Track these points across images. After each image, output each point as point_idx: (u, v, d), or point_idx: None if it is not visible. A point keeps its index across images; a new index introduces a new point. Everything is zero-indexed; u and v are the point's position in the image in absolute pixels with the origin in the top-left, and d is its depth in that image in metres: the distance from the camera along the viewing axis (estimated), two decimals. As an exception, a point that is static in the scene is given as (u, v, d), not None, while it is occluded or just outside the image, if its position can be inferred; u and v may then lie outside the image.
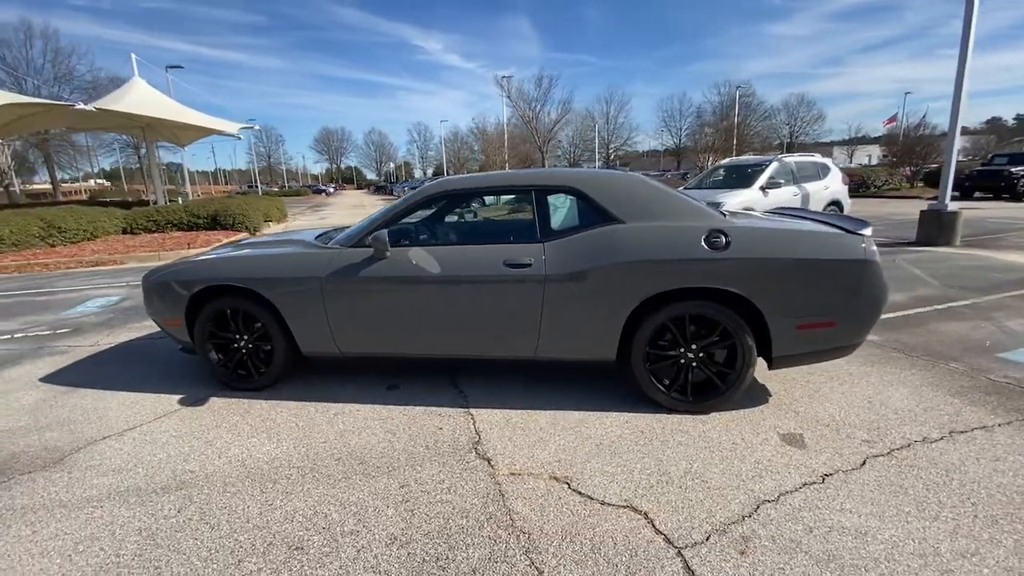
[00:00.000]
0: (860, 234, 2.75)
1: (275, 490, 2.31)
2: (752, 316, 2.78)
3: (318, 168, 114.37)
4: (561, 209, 3.10)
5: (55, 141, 38.57)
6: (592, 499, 2.18)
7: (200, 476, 2.44)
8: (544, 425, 2.83)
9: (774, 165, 8.67)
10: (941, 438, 2.57)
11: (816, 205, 8.92)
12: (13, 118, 13.07)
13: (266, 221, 15.64)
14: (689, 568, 1.77)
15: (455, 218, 3.34)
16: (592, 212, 2.97)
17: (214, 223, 13.05)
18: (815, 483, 2.23)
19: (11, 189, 27.76)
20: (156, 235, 12.38)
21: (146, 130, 16.35)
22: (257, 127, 23.13)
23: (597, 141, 62.62)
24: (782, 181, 8.53)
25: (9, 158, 19.09)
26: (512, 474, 2.38)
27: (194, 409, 3.18)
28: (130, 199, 23.25)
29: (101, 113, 14.00)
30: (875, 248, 2.72)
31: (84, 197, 34.16)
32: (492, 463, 2.48)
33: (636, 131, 67.92)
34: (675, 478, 2.30)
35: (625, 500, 2.16)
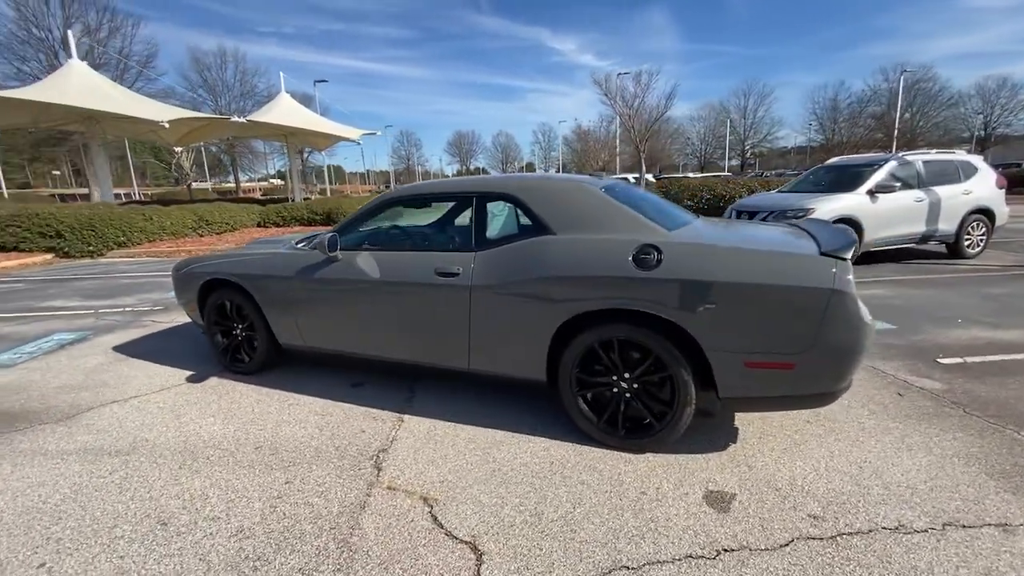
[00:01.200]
0: (833, 256, 2.20)
1: (189, 467, 2.56)
2: (693, 347, 2.38)
3: (451, 169, 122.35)
4: (499, 217, 2.95)
5: (239, 147, 46.64)
6: (441, 528, 2.05)
7: (148, 445, 2.80)
8: (460, 442, 2.73)
9: (890, 164, 7.23)
10: (925, 530, 1.96)
11: (951, 214, 7.28)
12: (187, 130, 16.12)
13: None
14: (474, 625, 1.59)
15: (405, 224, 3.36)
16: (527, 221, 2.79)
17: (328, 219, 14.68)
18: (703, 557, 1.85)
19: (191, 187, 34.07)
20: (282, 228, 14.29)
21: (288, 138, 18.99)
22: (379, 133, 25.53)
23: (728, 138, 57.84)
24: (897, 184, 7.09)
25: (191, 162, 23.75)
26: (389, 488, 2.34)
27: (191, 386, 3.64)
28: (287, 197, 27.20)
29: (253, 124, 16.55)
30: (850, 277, 2.16)
31: (258, 195, 40.68)
32: (381, 473, 2.46)
33: (778, 126, 61.19)
34: (545, 521, 2.07)
35: (472, 536, 2.00)
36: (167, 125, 13.20)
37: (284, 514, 2.17)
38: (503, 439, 2.74)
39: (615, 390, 2.57)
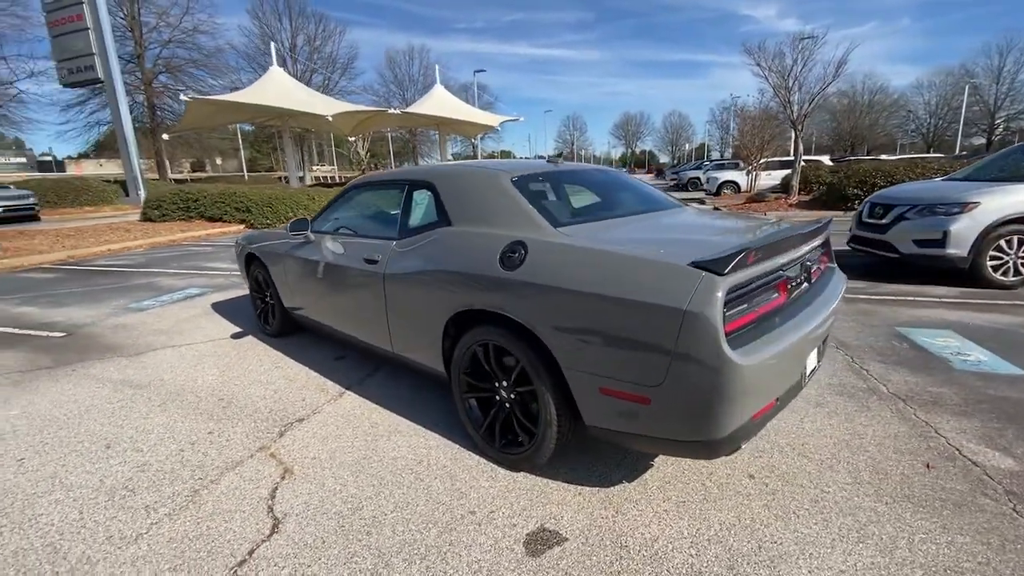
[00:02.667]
0: (705, 268, 1.68)
1: (164, 406, 3.11)
2: (554, 363, 2.07)
3: (617, 153, 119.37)
4: (420, 207, 2.85)
5: (420, 135, 52.21)
6: (271, 499, 2.18)
7: (158, 384, 3.46)
8: (364, 425, 2.81)
9: None
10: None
11: None
12: (355, 122, 18.65)
13: None
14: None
15: (366, 211, 3.44)
16: (438, 210, 2.68)
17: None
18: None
19: (366, 172, 39.01)
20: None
21: (440, 127, 20.67)
22: (521, 119, 26.10)
23: (969, 109, 45.48)
24: None
25: (366, 150, 27.40)
26: (271, 454, 2.54)
27: (227, 341, 4.35)
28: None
29: (407, 115, 18.41)
30: (718, 295, 1.63)
31: None
32: (278, 440, 2.68)
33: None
34: (358, 517, 2.06)
35: (284, 514, 2.09)
36: (331, 118, 15.55)
37: (181, 459, 2.52)
38: (403, 430, 2.74)
39: (496, 398, 2.37)
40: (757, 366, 1.67)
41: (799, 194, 13.96)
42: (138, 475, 2.40)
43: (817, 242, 2.35)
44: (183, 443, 2.67)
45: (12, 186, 19.20)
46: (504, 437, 2.35)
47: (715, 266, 1.66)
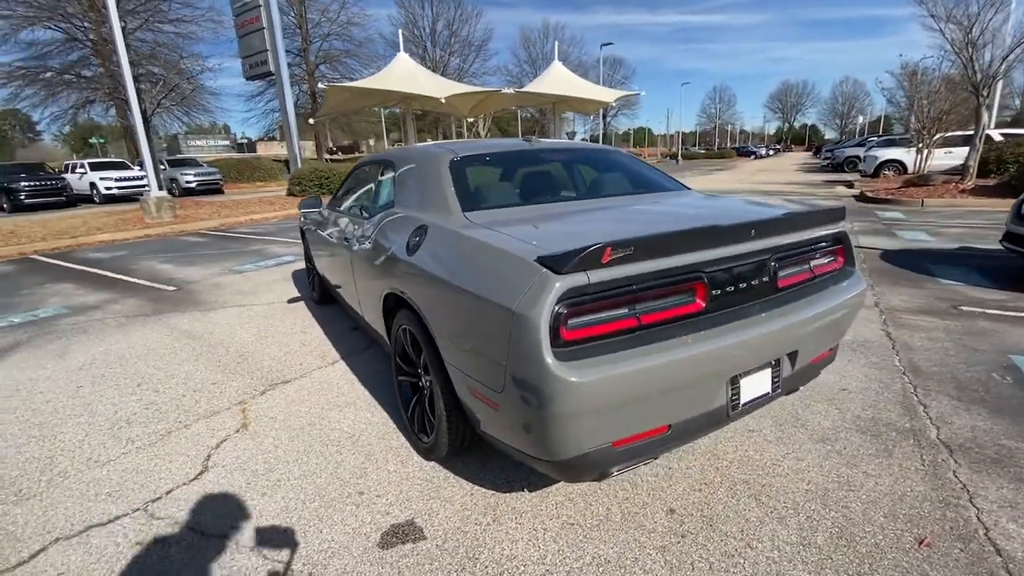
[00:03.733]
0: (547, 265, 1.43)
1: (197, 356, 3.62)
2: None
3: (772, 127, 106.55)
4: (385, 187, 2.83)
5: (550, 114, 52.26)
6: (215, 448, 2.43)
7: (207, 336, 4.03)
8: (331, 394, 2.97)
9: None
10: None
11: None
12: (473, 103, 19.20)
13: None
14: None
15: (360, 189, 3.47)
16: (393, 192, 2.66)
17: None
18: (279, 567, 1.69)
19: None
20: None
21: (556, 104, 20.38)
22: (642, 93, 24.34)
23: None
24: None
25: (487, 130, 27.89)
26: (242, 408, 2.82)
27: (283, 304, 4.88)
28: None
29: (520, 94, 18.46)
30: (548, 297, 1.38)
31: None
32: (258, 397, 2.96)
33: None
34: (277, 471, 2.20)
35: (214, 464, 2.31)
36: (444, 100, 16.21)
37: (179, 403, 2.93)
38: (358, 404, 2.84)
39: (420, 384, 2.33)
40: (603, 384, 1.40)
41: (976, 177, 11.11)
42: (142, 412, 2.84)
43: (790, 238, 1.87)
44: (189, 390, 3.09)
45: (205, 164, 23.46)
46: (420, 424, 2.31)
47: (554, 263, 1.41)
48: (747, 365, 1.73)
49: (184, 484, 2.18)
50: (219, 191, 22.37)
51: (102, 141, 42.05)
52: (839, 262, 2.16)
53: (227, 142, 72.66)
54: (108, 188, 18.39)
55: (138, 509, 2.03)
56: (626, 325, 1.51)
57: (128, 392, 3.09)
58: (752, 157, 56.18)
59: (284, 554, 1.77)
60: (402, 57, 17.42)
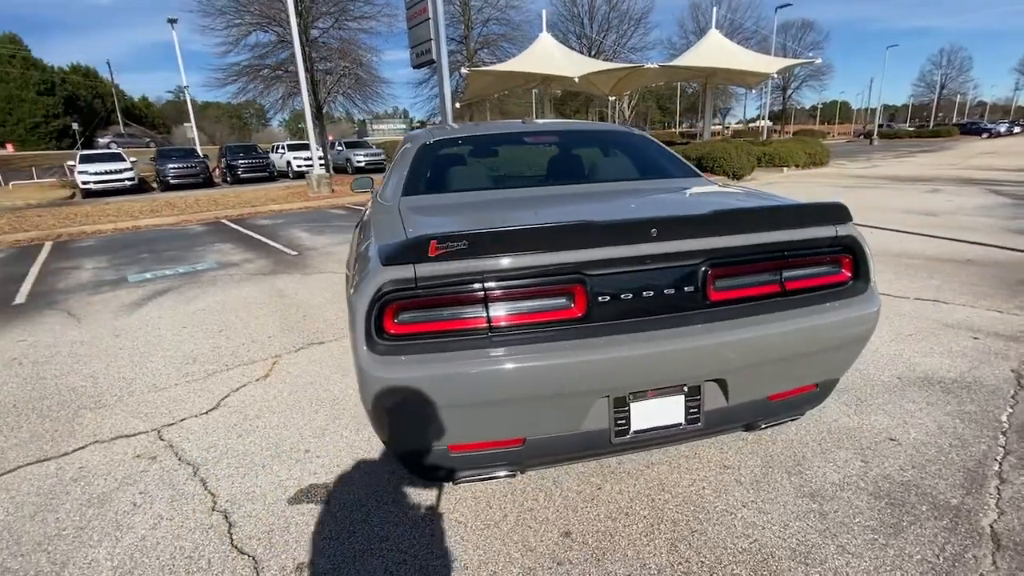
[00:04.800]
0: (382, 260, 1.37)
1: (261, 314, 4.23)
2: None
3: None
4: (389, 169, 2.89)
5: (720, 90, 47.53)
6: (219, 404, 2.86)
7: (291, 295, 4.67)
8: (349, 358, 3.24)
9: None
10: None
11: None
12: (613, 81, 18.37)
13: (788, 166, 15.19)
14: (132, 434, 2.46)
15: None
16: (387, 174, 2.75)
17: (699, 165, 14.17)
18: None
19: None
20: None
21: (708, 77, 18.51)
22: (817, 61, 20.35)
23: None
24: None
25: (632, 109, 26.14)
26: (273, 357, 3.25)
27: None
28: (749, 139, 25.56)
29: (666, 69, 17.19)
30: (370, 287, 1.33)
31: (723, 136, 41.17)
32: (283, 354, 3.37)
33: None
34: (243, 430, 2.53)
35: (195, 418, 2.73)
36: (577, 80, 15.75)
37: (235, 351, 3.48)
38: (362, 370, 3.07)
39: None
40: (415, 384, 1.32)
41: None
42: (208, 353, 3.45)
43: (733, 241, 1.50)
44: (248, 339, 3.65)
45: (374, 146, 26.57)
46: None
47: (384, 254, 1.36)
48: (635, 386, 1.47)
49: (195, 416, 2.62)
50: (383, 169, 25.29)
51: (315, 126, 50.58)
52: (843, 275, 1.67)
53: (404, 125, 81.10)
54: (299, 166, 21.98)
55: (154, 429, 2.51)
56: (475, 324, 1.40)
57: (210, 336, 3.77)
58: (984, 136, 44.22)
59: (222, 488, 2.04)
60: (544, 37, 17.44)
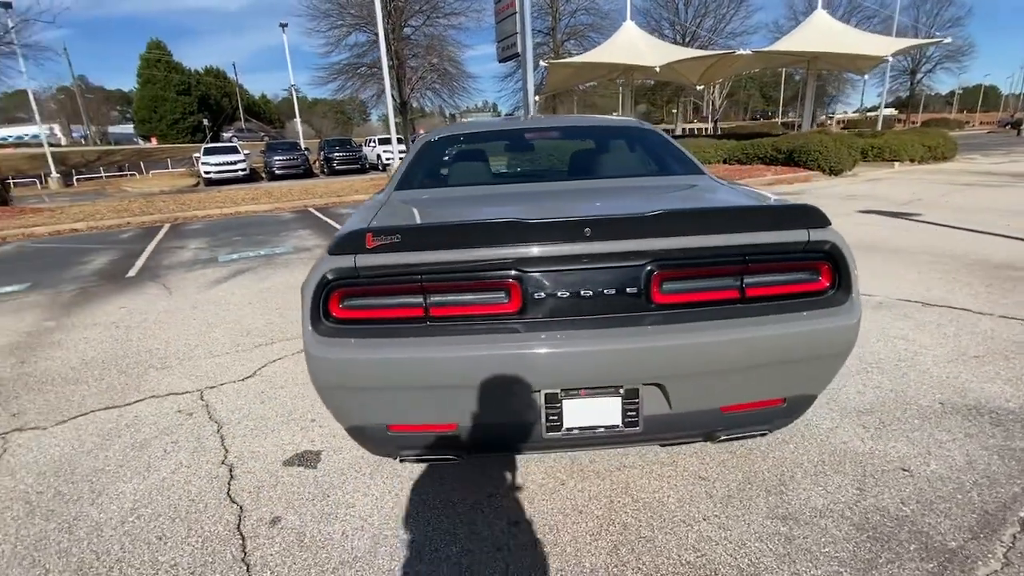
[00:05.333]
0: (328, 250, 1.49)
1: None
2: None
3: None
4: None
5: (831, 76, 43.16)
6: (253, 372, 3.20)
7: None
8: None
9: None
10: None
11: None
12: (702, 69, 17.33)
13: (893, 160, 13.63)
14: (180, 393, 2.86)
15: None
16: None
17: (790, 158, 13.07)
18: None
19: (718, 123, 33.97)
20: (742, 167, 13.98)
21: (811, 62, 16.87)
22: (947, 40, 17.39)
23: None
24: None
25: (722, 98, 24.18)
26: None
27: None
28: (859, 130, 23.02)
29: (760, 55, 15.96)
30: (316, 275, 1.46)
31: (835, 127, 37.33)
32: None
33: None
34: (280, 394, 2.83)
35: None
36: (658, 69, 15.02)
37: (281, 327, 3.86)
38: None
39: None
40: (349, 365, 1.44)
41: None
42: (262, 327, 3.86)
43: (681, 243, 1.44)
44: (298, 318, 4.02)
45: (457, 139, 27.47)
46: None
47: (331, 244, 1.48)
48: (567, 384, 1.47)
49: (232, 382, 2.97)
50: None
51: (398, 121, 53.37)
52: (819, 284, 1.54)
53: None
54: (389, 159, 23.29)
55: (198, 390, 2.89)
56: (413, 313, 1.49)
57: (267, 312, 4.21)
58: None
59: (234, 445, 2.32)
60: (627, 26, 16.92)
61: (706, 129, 32.76)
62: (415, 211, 2.05)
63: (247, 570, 1.63)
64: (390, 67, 24.05)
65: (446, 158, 2.60)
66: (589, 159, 2.51)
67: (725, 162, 14.79)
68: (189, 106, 51.10)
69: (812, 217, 1.49)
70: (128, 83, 50.73)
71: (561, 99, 37.16)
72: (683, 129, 36.23)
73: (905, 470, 1.95)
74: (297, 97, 31.18)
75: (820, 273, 1.54)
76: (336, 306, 1.50)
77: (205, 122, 49.55)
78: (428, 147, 2.54)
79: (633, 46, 16.15)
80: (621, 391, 1.50)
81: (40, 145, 26.20)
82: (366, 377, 1.48)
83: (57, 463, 2.24)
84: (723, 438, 1.64)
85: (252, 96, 71.31)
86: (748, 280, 1.50)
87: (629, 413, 1.52)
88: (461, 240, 1.43)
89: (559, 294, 1.46)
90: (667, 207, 1.48)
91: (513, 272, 1.46)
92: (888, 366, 2.75)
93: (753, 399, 1.59)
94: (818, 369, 1.58)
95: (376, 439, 1.60)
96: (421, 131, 32.76)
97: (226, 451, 2.28)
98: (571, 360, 1.43)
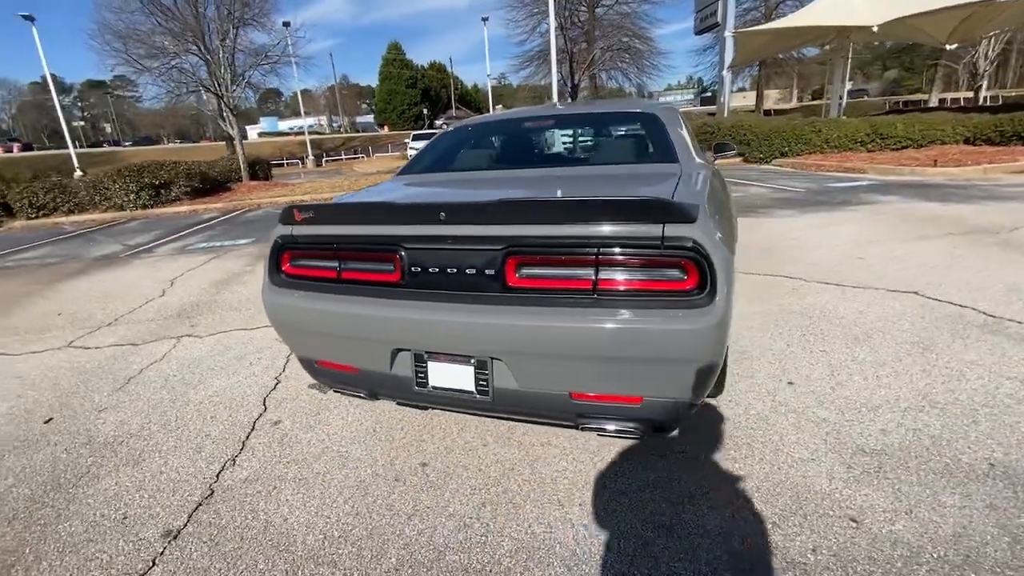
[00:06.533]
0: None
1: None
2: None
3: None
4: None
5: None
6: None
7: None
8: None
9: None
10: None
11: None
12: (953, 22, 13.35)
13: None
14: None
15: None
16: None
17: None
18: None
19: (980, 91, 24.24)
20: (993, 148, 10.78)
21: None
22: None
23: None
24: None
25: (990, 60, 17.08)
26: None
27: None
28: None
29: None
30: (273, 239, 1.91)
31: None
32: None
33: None
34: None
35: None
36: (876, 29, 11.91)
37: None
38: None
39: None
40: (281, 310, 1.88)
41: None
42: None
43: (535, 231, 1.51)
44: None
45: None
46: None
47: (280, 214, 1.93)
48: (429, 347, 1.69)
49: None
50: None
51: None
52: (681, 283, 1.44)
53: (691, 96, 76.85)
54: None
55: (296, 326, 3.77)
56: (329, 275, 1.87)
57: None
58: None
59: (290, 365, 3.05)
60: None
61: (968, 100, 25.32)
62: (380, 191, 2.43)
63: (241, 448, 2.27)
64: (563, 51, 24.40)
65: (450, 147, 2.87)
66: (577, 147, 2.52)
67: (968, 142, 11.54)
68: (414, 98, 59.43)
69: (669, 212, 1.40)
70: (374, 79, 61.64)
71: (776, 69, 32.74)
72: (938, 100, 28.65)
73: (854, 521, 1.64)
74: (501, 84, 33.88)
75: (684, 271, 1.44)
76: (286, 264, 1.97)
77: (424, 111, 57.18)
78: (442, 137, 2.85)
79: (847, 2, 13.41)
80: (472, 361, 1.66)
81: (311, 133, 33.98)
82: (299, 321, 1.92)
83: (193, 360, 3.28)
84: (589, 427, 1.66)
85: (465, 86, 79.32)
86: (602, 271, 1.50)
87: (481, 382, 1.67)
88: (355, 218, 1.76)
89: (430, 269, 1.68)
90: (525, 196, 1.56)
91: (396, 247, 1.72)
92: None
93: (604, 392, 1.58)
94: (676, 372, 1.48)
95: (312, 370, 2.05)
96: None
97: (284, 370, 3.03)
98: (430, 327, 1.65)
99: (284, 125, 70.56)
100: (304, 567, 1.61)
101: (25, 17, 17.33)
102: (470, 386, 1.70)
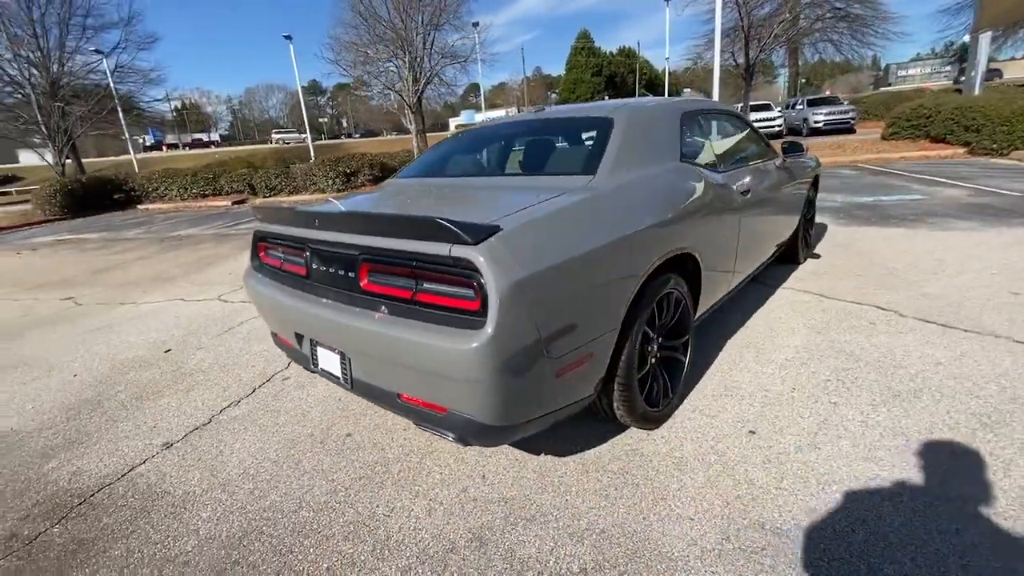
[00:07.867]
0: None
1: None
2: None
3: None
4: None
5: None
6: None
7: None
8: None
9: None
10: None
11: None
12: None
13: None
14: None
15: None
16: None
17: None
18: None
19: None
20: None
21: None
22: None
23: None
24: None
25: None
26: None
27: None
28: None
29: None
30: (255, 230, 2.37)
31: None
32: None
33: None
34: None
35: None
36: None
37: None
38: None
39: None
40: (252, 292, 2.33)
41: None
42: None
43: (370, 242, 1.66)
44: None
45: (845, 101, 22.21)
46: None
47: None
48: (312, 335, 1.95)
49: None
50: (849, 130, 20.96)
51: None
52: (473, 302, 1.45)
53: (930, 68, 62.58)
54: (816, 122, 20.53)
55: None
56: (276, 264, 2.27)
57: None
58: None
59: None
60: None
61: None
62: (357, 195, 2.74)
63: (251, 393, 2.88)
64: (740, 27, 21.59)
65: (441, 153, 2.99)
66: (528, 155, 2.47)
67: None
68: (598, 85, 59.19)
69: (454, 233, 1.42)
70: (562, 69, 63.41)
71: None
72: None
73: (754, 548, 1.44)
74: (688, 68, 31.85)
75: (474, 291, 1.44)
76: (261, 253, 2.44)
77: (606, 98, 56.73)
78: (444, 141, 3.05)
79: None
80: (337, 351, 1.89)
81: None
82: (256, 301, 2.38)
83: (230, 313, 4.11)
84: (422, 425, 1.75)
85: (656, 70, 75.86)
86: (420, 284, 1.59)
87: (344, 370, 1.89)
88: (282, 219, 2.11)
89: (320, 268, 1.95)
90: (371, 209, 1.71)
91: (304, 247, 2.03)
92: None
93: (418, 397, 1.66)
94: (459, 389, 1.50)
95: (276, 343, 2.50)
96: (836, 93, 27.86)
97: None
98: (307, 318, 1.93)
99: (480, 117, 77.34)
100: (213, 492, 2.07)
101: (286, 37, 22.32)
102: (339, 373, 1.94)
